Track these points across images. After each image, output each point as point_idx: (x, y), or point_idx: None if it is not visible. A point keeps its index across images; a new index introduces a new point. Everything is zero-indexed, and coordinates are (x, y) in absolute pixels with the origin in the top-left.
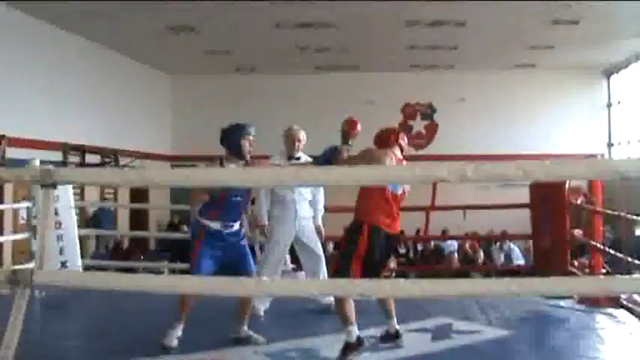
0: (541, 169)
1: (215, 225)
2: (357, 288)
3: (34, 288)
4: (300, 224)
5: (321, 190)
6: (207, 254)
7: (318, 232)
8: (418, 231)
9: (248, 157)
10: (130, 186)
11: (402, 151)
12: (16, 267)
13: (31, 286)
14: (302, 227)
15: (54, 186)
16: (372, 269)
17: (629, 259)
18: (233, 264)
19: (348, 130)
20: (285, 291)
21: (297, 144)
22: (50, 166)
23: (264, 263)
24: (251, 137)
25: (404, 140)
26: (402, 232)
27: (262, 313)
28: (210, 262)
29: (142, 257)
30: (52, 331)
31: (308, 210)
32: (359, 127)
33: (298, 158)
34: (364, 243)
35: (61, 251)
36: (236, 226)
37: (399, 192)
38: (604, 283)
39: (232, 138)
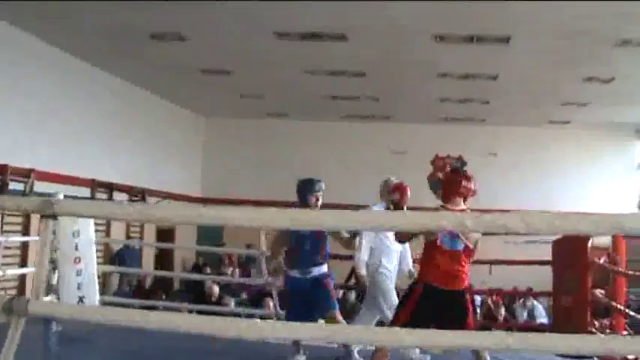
0: (543, 221)
1: (294, 273)
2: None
3: (29, 317)
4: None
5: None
6: (294, 301)
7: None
8: None
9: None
10: (130, 220)
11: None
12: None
13: (26, 315)
14: None
15: (54, 217)
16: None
17: None
18: (314, 306)
19: (399, 198)
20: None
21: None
22: (51, 197)
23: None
24: (319, 193)
25: (466, 187)
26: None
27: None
28: (297, 309)
29: (163, 297)
30: None
31: None
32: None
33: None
34: (414, 300)
35: (79, 287)
36: (315, 271)
37: (459, 248)
38: (604, 341)
39: (302, 192)
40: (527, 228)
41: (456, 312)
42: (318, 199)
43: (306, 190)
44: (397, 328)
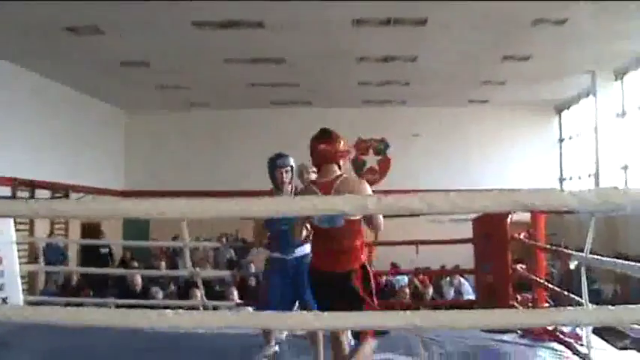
0: (445, 201)
1: (276, 255)
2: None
3: None
4: None
5: None
6: (275, 284)
7: None
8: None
9: (286, 188)
10: (37, 217)
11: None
12: None
13: None
14: None
15: None
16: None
17: (566, 293)
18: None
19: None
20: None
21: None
22: None
23: None
24: (284, 169)
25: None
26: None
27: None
28: (278, 291)
29: (91, 293)
30: None
31: None
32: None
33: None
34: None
35: (1, 287)
36: (298, 252)
37: (339, 224)
38: (510, 315)
39: (269, 170)
40: (429, 208)
41: (345, 296)
42: (283, 175)
43: (271, 167)
44: (305, 313)
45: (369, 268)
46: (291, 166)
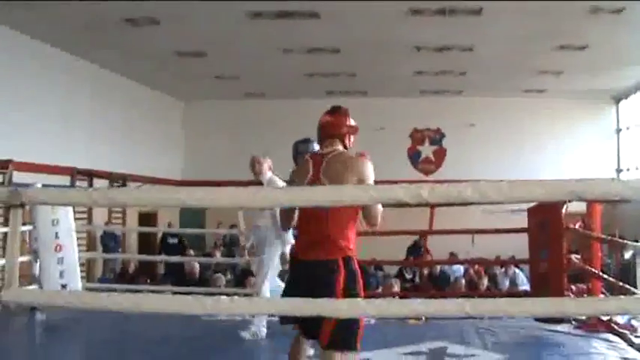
0: (496, 190)
1: None
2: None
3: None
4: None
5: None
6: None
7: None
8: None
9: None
10: (95, 206)
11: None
12: None
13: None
14: None
15: (22, 206)
16: None
17: (621, 283)
18: None
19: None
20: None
21: (257, 167)
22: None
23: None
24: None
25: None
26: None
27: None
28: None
29: (148, 281)
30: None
31: None
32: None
33: (261, 183)
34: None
35: (61, 275)
36: None
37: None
38: (559, 303)
39: (293, 155)
40: (481, 197)
41: (320, 289)
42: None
43: (295, 152)
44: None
45: (355, 263)
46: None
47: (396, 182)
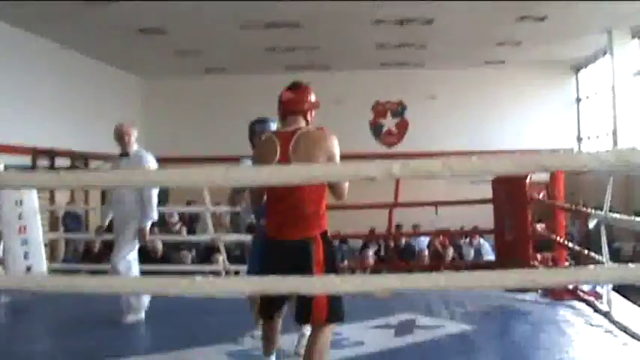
0: (466, 165)
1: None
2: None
3: None
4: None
5: (147, 190)
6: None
7: (140, 233)
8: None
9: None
10: (65, 188)
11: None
12: None
13: None
14: None
15: None
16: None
17: (586, 251)
18: None
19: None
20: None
21: (126, 139)
22: None
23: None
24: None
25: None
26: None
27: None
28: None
29: None
30: (16, 336)
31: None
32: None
33: (127, 155)
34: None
35: (25, 255)
36: None
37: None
38: (531, 274)
39: (249, 136)
40: (452, 171)
41: (298, 268)
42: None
43: (251, 132)
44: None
45: (329, 237)
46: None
47: (359, 156)
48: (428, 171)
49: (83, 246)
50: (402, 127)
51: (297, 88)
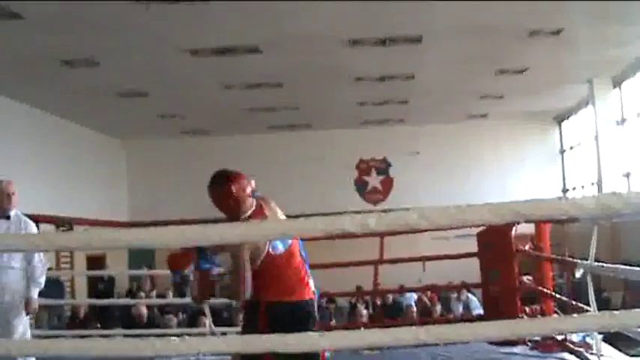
0: (443, 215)
1: None
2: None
3: None
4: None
5: (37, 255)
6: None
7: (26, 304)
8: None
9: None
10: (36, 251)
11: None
12: None
13: None
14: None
15: None
16: None
17: (573, 302)
18: None
19: None
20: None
21: (7, 199)
22: None
23: None
24: None
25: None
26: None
27: None
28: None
29: (98, 325)
30: None
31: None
32: None
33: (8, 217)
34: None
35: None
36: None
37: (280, 250)
38: (513, 324)
39: None
40: (429, 223)
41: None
42: None
43: None
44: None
45: (275, 308)
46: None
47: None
48: (404, 223)
49: (67, 312)
50: (387, 184)
51: (217, 183)
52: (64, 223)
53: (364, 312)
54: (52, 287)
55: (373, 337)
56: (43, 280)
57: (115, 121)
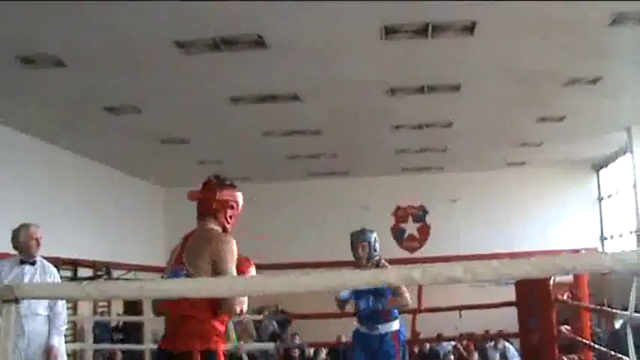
0: (488, 269)
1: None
2: None
3: None
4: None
5: (60, 302)
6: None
7: (47, 352)
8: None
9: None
10: (88, 299)
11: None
12: None
13: None
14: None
15: (16, 301)
16: None
17: (612, 352)
18: None
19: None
20: None
21: (36, 244)
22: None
23: None
24: (363, 243)
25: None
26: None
27: None
28: None
29: None
30: None
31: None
32: None
33: (34, 263)
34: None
35: None
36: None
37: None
38: None
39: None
40: (473, 277)
41: None
42: (362, 249)
43: (351, 242)
44: None
45: (218, 357)
46: (368, 242)
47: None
48: (449, 277)
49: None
50: (424, 231)
51: (204, 186)
52: (101, 268)
53: None
54: (101, 331)
55: None
56: (64, 327)
57: (156, 167)
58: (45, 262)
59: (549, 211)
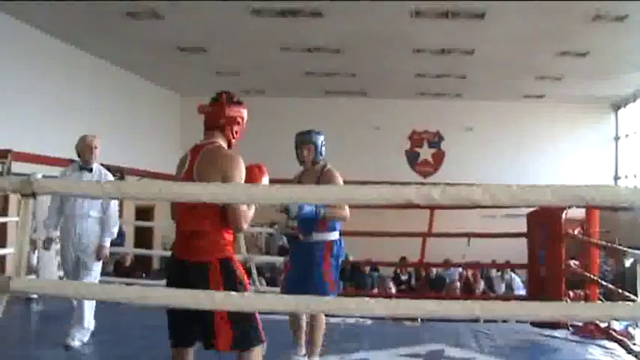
0: (506, 193)
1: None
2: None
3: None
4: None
5: (113, 205)
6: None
7: (98, 251)
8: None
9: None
10: (107, 198)
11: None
12: None
13: (8, 292)
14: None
15: (34, 196)
16: None
17: (619, 290)
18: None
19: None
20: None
21: (94, 152)
22: (30, 177)
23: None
24: (302, 145)
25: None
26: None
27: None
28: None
29: (143, 275)
30: (46, 343)
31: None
32: None
33: (91, 170)
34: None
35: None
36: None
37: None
38: (562, 307)
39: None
40: (491, 199)
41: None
42: (308, 151)
43: (295, 143)
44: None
45: (234, 263)
46: (315, 144)
47: (394, 184)
48: (468, 198)
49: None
50: (439, 157)
51: (215, 100)
52: (114, 172)
53: (390, 284)
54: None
55: (428, 307)
56: (116, 230)
57: (174, 74)
58: (102, 169)
59: (563, 147)
